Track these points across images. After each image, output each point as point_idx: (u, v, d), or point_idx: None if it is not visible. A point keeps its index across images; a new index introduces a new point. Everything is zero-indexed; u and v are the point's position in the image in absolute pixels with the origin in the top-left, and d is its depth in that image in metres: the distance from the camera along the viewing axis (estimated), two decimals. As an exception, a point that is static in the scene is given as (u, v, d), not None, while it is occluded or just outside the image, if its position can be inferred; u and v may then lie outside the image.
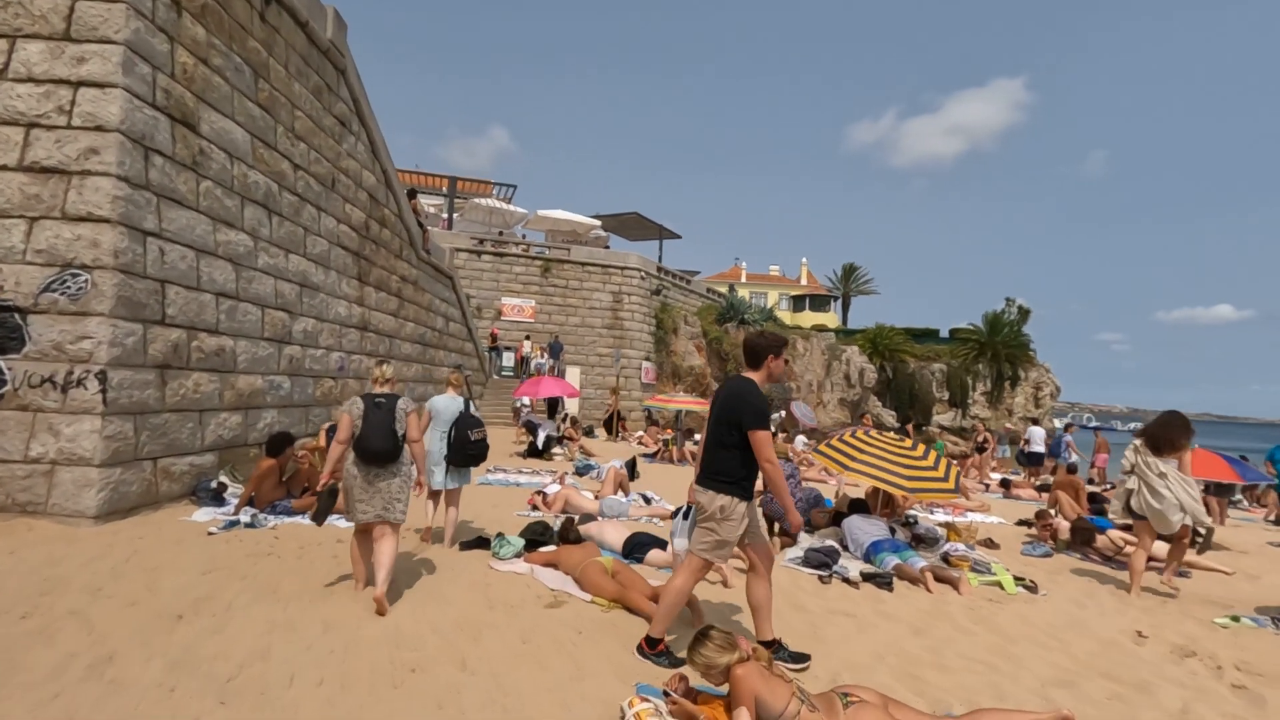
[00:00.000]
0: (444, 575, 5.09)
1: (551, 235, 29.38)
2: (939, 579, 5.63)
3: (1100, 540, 7.53)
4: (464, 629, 4.01)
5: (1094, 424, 71.17)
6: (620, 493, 8.89)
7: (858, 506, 7.19)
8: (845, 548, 6.71)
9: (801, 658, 3.86)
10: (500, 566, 5.35)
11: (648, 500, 8.96)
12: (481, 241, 25.75)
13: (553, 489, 8.17)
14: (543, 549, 5.85)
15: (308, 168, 9.62)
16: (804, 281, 60.22)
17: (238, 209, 7.88)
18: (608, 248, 29.56)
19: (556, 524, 6.30)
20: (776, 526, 7.15)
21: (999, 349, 48.33)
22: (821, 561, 5.89)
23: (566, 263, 26.15)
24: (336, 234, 10.58)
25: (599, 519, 6.69)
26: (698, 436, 20.21)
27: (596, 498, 8.39)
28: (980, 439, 21.64)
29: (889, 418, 42.72)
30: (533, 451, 13.17)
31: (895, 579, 5.68)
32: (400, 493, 4.47)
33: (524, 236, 28.94)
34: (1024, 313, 53.05)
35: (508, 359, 23.62)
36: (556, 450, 13.55)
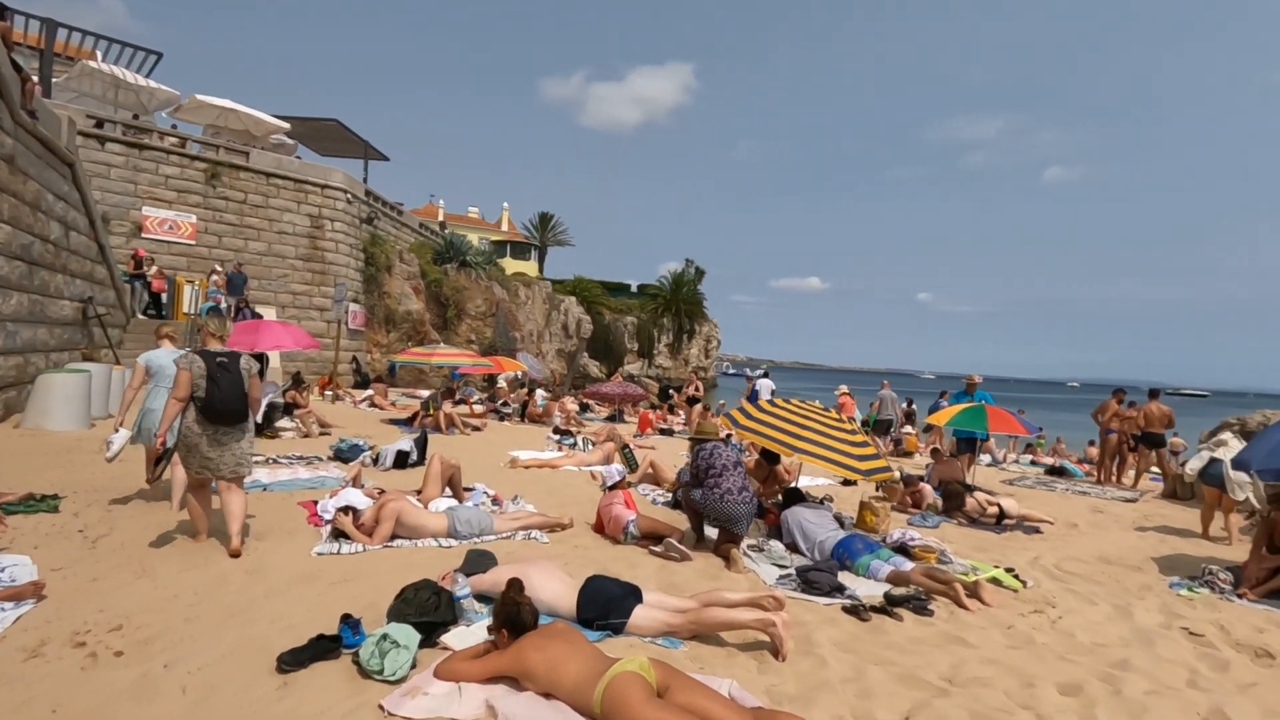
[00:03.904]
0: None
1: (213, 132, 22.08)
2: (969, 592, 4.54)
3: (969, 503, 7.49)
4: None
5: (732, 371, 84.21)
6: (448, 490, 6.20)
7: (795, 494, 5.87)
8: (794, 549, 5.35)
9: None
10: (409, 708, 2.67)
11: (495, 501, 6.41)
12: (101, 124, 18.03)
13: (354, 497, 5.16)
14: (446, 638, 3.27)
15: None
16: (505, 228, 57.96)
17: None
18: (297, 159, 23.41)
19: (457, 579, 3.59)
20: (707, 529, 5.44)
21: (681, 305, 54.01)
22: (832, 584, 4.37)
23: (244, 170, 19.91)
24: None
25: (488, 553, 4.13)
26: (469, 395, 16.94)
27: (421, 502, 5.63)
28: (693, 389, 22.45)
29: (595, 368, 43.80)
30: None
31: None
32: (250, 448, 4.59)
33: (174, 127, 21.28)
34: (700, 273, 59.48)
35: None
36: (284, 424, 9.68)
